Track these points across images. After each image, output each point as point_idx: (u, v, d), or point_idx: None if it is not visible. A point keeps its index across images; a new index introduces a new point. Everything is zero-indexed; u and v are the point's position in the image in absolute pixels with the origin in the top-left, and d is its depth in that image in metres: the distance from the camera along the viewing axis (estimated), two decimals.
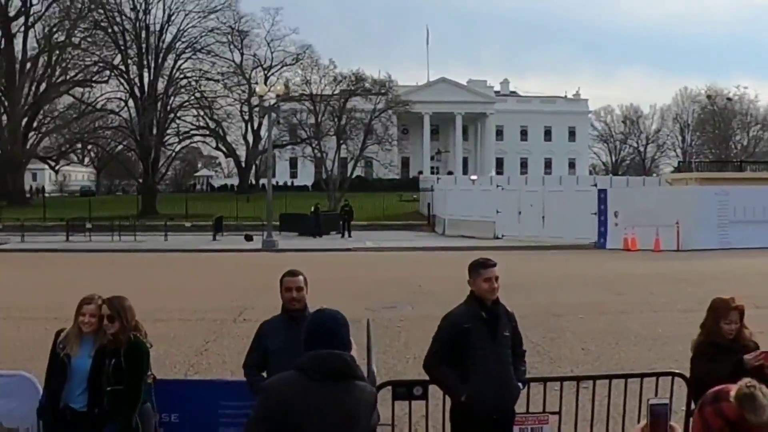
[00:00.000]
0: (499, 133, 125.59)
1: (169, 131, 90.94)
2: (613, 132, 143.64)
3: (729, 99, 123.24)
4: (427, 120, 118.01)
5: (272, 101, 51.46)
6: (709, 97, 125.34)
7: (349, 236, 51.93)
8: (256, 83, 78.84)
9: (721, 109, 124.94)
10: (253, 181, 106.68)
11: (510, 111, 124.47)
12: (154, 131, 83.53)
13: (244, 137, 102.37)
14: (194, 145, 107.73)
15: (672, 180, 54.73)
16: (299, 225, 54.29)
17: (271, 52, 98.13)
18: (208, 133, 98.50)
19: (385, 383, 7.91)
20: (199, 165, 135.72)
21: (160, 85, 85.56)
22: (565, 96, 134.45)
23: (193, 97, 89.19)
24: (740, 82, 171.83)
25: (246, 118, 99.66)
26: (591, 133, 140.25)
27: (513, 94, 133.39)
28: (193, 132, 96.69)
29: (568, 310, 19.59)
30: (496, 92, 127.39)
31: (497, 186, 50.36)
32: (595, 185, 45.96)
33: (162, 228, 51.50)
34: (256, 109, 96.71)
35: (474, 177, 61.83)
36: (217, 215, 55.89)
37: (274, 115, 51.50)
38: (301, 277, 7.61)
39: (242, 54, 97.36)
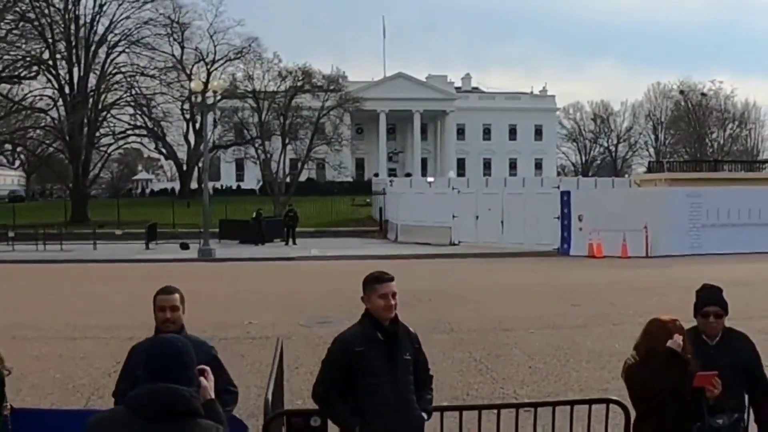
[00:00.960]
0: (461, 132, 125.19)
1: (102, 131, 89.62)
2: (582, 130, 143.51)
3: (703, 94, 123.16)
4: (383, 118, 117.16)
5: (216, 98, 50.50)
6: (682, 92, 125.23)
7: (294, 244, 51.26)
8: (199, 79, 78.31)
9: (695, 105, 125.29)
10: (196, 185, 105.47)
11: (472, 108, 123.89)
12: (85, 131, 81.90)
13: (185, 137, 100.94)
14: (134, 146, 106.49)
15: (641, 181, 54.37)
16: (240, 232, 53.52)
17: (214, 46, 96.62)
18: (145, 133, 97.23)
19: (280, 413, 7.26)
20: (140, 168, 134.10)
21: (92, 81, 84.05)
22: (531, 92, 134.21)
23: (127, 94, 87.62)
24: (716, 77, 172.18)
25: (187, 117, 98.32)
26: (559, 132, 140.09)
27: (475, 90, 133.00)
28: (129, 132, 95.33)
29: (518, 323, 19.09)
30: (458, 88, 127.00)
31: (453, 189, 49.69)
32: (558, 187, 45.35)
33: (91, 236, 50.53)
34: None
35: (431, 179, 61.27)
36: (151, 222, 54.84)
37: (212, 113, 50.52)
38: (176, 295, 7.10)
39: (183, 48, 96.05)
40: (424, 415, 6.78)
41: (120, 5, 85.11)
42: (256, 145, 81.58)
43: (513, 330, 18.41)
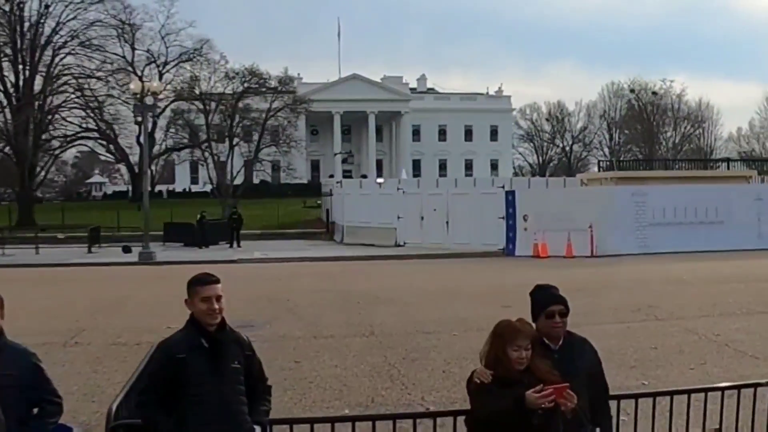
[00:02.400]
0: (416, 133, 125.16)
1: (53, 134, 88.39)
2: (539, 131, 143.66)
3: (654, 93, 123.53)
4: (337, 120, 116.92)
5: (157, 100, 49.53)
6: (632, 91, 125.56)
7: (238, 246, 50.53)
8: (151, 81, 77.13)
9: (646, 104, 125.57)
10: (149, 188, 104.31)
11: (427, 109, 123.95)
12: (31, 134, 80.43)
13: (138, 140, 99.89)
14: (88, 149, 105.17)
15: (587, 180, 53.83)
16: (185, 235, 52.66)
17: (166, 48, 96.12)
18: (97, 136, 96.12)
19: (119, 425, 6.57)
20: (96, 171, 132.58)
21: (39, 84, 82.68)
22: (487, 93, 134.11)
23: (76, 96, 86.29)
24: (672, 77, 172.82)
25: (139, 119, 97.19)
26: (516, 133, 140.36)
27: (431, 91, 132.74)
28: (80, 135, 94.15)
29: (443, 326, 18.45)
30: (413, 89, 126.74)
31: (399, 189, 48.97)
32: (503, 187, 44.75)
33: (34, 240, 49.63)
34: (155, 110, 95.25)
35: (380, 180, 60.45)
36: (94, 225, 53.89)
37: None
38: None
39: (134, 50, 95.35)
40: (257, 427, 6.20)
41: (66, 6, 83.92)
42: (203, 147, 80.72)
43: (435, 333, 17.80)
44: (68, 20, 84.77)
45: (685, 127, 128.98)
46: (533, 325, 6.24)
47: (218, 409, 5.95)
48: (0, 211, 76.63)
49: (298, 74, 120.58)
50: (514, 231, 41.64)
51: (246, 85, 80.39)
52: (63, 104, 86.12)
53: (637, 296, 22.81)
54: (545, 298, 6.51)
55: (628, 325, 18.29)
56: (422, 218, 45.93)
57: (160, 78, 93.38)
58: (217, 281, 6.32)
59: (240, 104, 79.76)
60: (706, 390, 7.52)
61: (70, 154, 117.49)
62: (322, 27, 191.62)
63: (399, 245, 46.37)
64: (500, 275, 31.06)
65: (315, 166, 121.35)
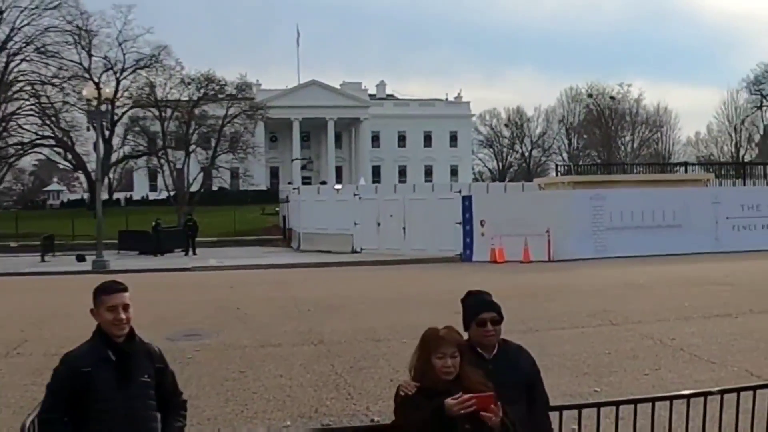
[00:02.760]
0: (376, 140, 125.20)
1: (9, 141, 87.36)
2: (498, 136, 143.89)
3: (612, 98, 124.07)
4: (296, 126, 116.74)
5: (108, 106, 48.80)
6: (590, 95, 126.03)
7: (194, 254, 49.91)
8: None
9: (604, 108, 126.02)
10: (107, 196, 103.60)
11: (386, 115, 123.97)
12: None
13: (95, 148, 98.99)
14: (46, 157, 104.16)
15: (545, 185, 53.50)
16: (139, 243, 51.99)
17: (123, 54, 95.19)
18: (54, 143, 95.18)
19: None
20: (55, 179, 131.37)
21: None
22: (446, 99, 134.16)
23: (30, 103, 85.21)
24: (631, 82, 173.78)
25: (93, 126, 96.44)
26: (476, 138, 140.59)
27: (390, 97, 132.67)
28: (37, 142, 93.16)
29: (394, 333, 17.97)
30: (372, 96, 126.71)
31: (355, 195, 48.51)
32: (459, 192, 44.36)
33: None
34: (107, 116, 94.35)
35: (338, 186, 60.02)
36: (47, 234, 53.09)
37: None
38: None
39: (90, 56, 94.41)
40: None
41: (21, 12, 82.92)
42: (160, 154, 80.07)
43: (385, 340, 17.36)
44: (23, 26, 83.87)
45: (644, 132, 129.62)
46: (463, 334, 5.76)
47: (127, 425, 5.54)
48: None
49: (257, 81, 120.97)
50: (471, 236, 41.20)
51: (202, 91, 79.79)
52: (18, 111, 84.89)
53: (592, 301, 22.49)
54: (476, 305, 6.12)
55: (582, 330, 17.94)
56: (379, 224, 45.42)
57: (118, 85, 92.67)
58: (125, 289, 5.91)
59: (196, 111, 79.15)
60: (671, 398, 7.10)
61: (28, 163, 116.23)
62: (282, 34, 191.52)
63: (356, 252, 45.87)
64: (455, 281, 30.55)
65: (274, 173, 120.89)
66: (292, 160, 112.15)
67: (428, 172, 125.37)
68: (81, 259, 45.52)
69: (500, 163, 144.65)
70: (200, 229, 55.42)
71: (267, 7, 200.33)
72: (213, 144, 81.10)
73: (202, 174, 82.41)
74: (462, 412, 5.08)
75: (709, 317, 19.24)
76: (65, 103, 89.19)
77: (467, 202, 41.82)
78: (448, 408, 5.09)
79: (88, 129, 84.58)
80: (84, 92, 48.22)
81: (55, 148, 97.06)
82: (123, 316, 5.74)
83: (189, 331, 19.01)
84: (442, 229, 41.78)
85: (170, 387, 6.01)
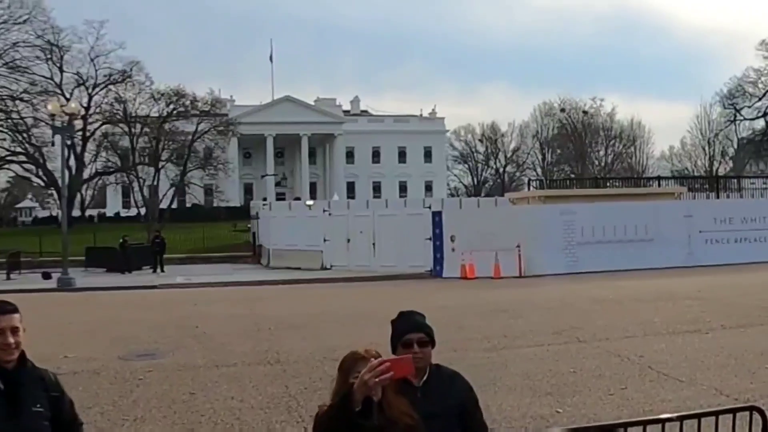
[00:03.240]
0: (350, 155, 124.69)
1: None
2: (473, 152, 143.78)
3: (585, 112, 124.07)
4: (270, 142, 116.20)
5: (97, 123, 47.94)
6: (562, 110, 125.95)
7: (162, 271, 49.11)
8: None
9: (576, 123, 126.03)
10: (79, 213, 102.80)
11: (361, 131, 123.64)
12: None
13: (66, 164, 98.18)
14: (19, 173, 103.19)
15: (516, 199, 53.04)
16: (107, 260, 51.19)
17: (95, 70, 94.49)
18: (25, 159, 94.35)
19: None
20: (30, 196, 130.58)
21: None
22: (421, 115, 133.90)
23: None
24: (605, 96, 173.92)
25: (68, 143, 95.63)
26: (451, 154, 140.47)
27: (364, 113, 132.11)
28: (8, 158, 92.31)
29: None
30: (346, 112, 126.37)
31: (324, 211, 47.88)
32: (429, 207, 43.78)
33: None
34: (79, 133, 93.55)
35: (310, 202, 59.36)
36: (13, 251, 52.21)
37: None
38: None
39: (62, 71, 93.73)
40: None
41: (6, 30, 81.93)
42: (130, 171, 79.38)
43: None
44: None
45: (617, 146, 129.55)
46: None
47: None
48: None
49: (231, 96, 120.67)
50: (441, 252, 40.53)
51: (172, 107, 79.18)
52: None
53: (560, 317, 21.94)
54: (403, 326, 5.56)
55: (547, 347, 17.36)
56: (348, 240, 44.71)
57: (90, 100, 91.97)
58: (14, 310, 5.28)
59: (166, 126, 78.52)
60: (625, 425, 6.51)
61: (1, 179, 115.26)
62: (256, 49, 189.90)
63: (326, 268, 45.16)
64: (423, 297, 29.95)
65: (248, 190, 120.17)
66: (262, 176, 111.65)
67: (403, 188, 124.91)
68: (47, 276, 44.70)
69: (475, 179, 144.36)
70: (169, 245, 54.84)
71: (242, 22, 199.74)
72: (183, 160, 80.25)
73: (173, 190, 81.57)
74: (377, 382, 4.40)
75: (678, 333, 18.73)
76: (36, 119, 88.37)
77: (437, 217, 41.19)
78: (359, 386, 4.42)
79: (52, 144, 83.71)
80: (49, 107, 47.29)
81: (27, 165, 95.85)
82: (11, 340, 5.13)
83: (144, 351, 18.47)
84: (412, 245, 41.16)
85: (68, 416, 5.43)
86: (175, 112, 79.39)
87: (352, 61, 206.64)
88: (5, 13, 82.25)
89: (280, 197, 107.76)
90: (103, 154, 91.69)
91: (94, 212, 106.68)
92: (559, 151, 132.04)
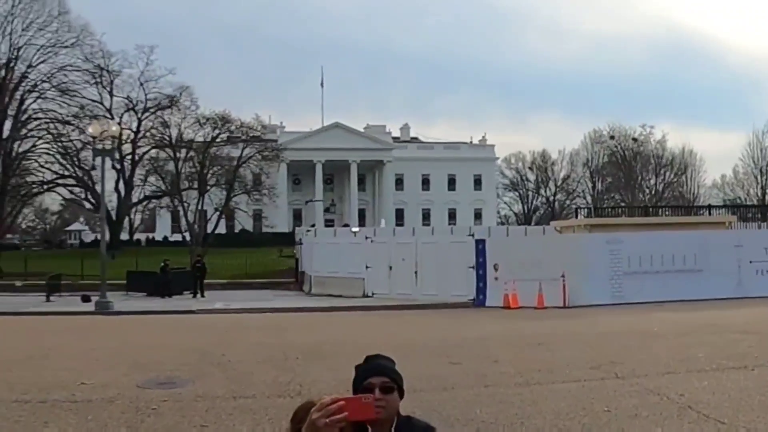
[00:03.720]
0: (400, 182, 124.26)
1: (29, 180, 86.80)
2: (524, 180, 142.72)
3: (634, 139, 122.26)
4: (319, 168, 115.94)
5: (114, 144, 47.51)
6: (612, 137, 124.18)
7: (202, 296, 48.56)
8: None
9: (626, 150, 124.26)
10: (128, 236, 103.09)
11: (410, 158, 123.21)
12: None
13: (116, 188, 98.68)
14: (70, 196, 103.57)
15: (561, 228, 51.84)
16: (148, 284, 50.73)
17: (145, 94, 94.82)
18: (74, 183, 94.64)
19: None
20: (81, 219, 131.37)
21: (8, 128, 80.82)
22: (471, 142, 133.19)
23: (43, 142, 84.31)
24: (657, 125, 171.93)
25: (118, 167, 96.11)
26: (501, 182, 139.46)
27: (414, 140, 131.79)
28: (57, 182, 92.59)
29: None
30: (396, 138, 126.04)
31: (366, 238, 47.09)
32: (472, 235, 42.80)
33: None
34: (128, 157, 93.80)
35: (355, 229, 58.53)
36: (53, 273, 52.07)
37: (108, 160, 47.91)
38: None
39: (111, 96, 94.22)
40: None
41: (38, 50, 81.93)
42: (173, 195, 79.18)
43: None
44: (38, 64, 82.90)
45: (667, 175, 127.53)
46: None
47: None
48: None
49: (281, 123, 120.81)
50: (484, 281, 39.59)
51: (217, 131, 79.01)
52: (32, 149, 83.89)
53: (600, 351, 20.95)
54: (366, 370, 4.77)
55: (582, 384, 16.40)
56: (390, 268, 43.97)
57: (139, 125, 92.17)
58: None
59: (212, 151, 78.35)
60: None
61: (54, 202, 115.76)
62: (308, 77, 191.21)
63: (367, 296, 44.40)
64: (462, 328, 29.18)
65: (297, 216, 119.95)
66: (307, 202, 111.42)
67: (452, 216, 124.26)
68: (86, 299, 44.42)
69: (526, 207, 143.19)
70: (213, 271, 54.44)
71: (294, 50, 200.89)
72: (228, 185, 79.80)
73: (216, 215, 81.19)
74: (327, 423, 3.81)
75: (723, 369, 17.64)
76: (84, 143, 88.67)
77: (481, 245, 40.31)
78: (307, 428, 3.85)
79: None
80: (90, 129, 47.08)
81: (76, 188, 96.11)
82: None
83: (165, 378, 17.84)
84: (455, 273, 40.32)
85: None
86: (219, 137, 79.09)
87: (403, 88, 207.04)
88: (53, 37, 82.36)
89: (328, 223, 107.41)
90: (152, 178, 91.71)
91: (142, 236, 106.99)
92: (609, 179, 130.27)
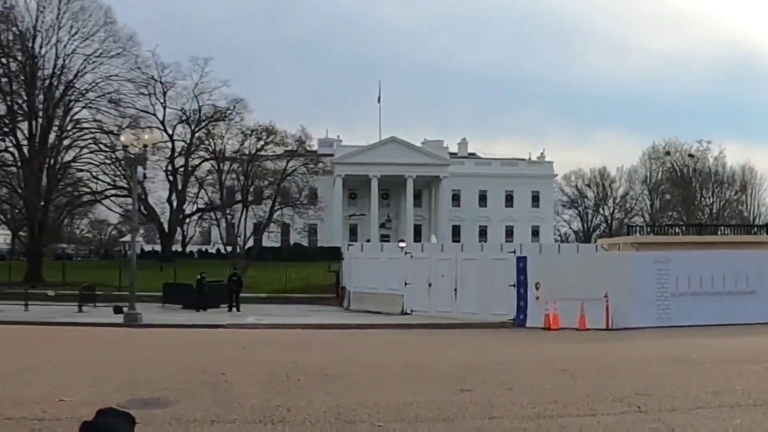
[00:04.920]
0: (456, 198, 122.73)
1: (83, 190, 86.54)
2: (583, 197, 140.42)
3: (691, 155, 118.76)
4: (375, 183, 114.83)
5: (146, 152, 46.11)
6: (668, 153, 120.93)
7: (237, 310, 47.21)
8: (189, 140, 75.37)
9: (682, 167, 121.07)
10: (180, 248, 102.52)
11: (467, 174, 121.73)
12: (44, 188, 77.41)
13: (168, 200, 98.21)
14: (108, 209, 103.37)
15: (609, 246, 49.73)
16: (184, 297, 49.54)
17: (199, 106, 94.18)
18: (127, 193, 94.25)
19: None
20: (141, 231, 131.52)
21: (56, 138, 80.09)
22: (529, 158, 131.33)
23: (90, 152, 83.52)
24: (722, 142, 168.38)
25: (171, 178, 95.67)
26: (561, 199, 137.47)
27: (472, 156, 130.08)
28: (109, 192, 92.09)
29: (375, 413, 14.87)
30: (453, 154, 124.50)
31: (406, 254, 45.41)
32: (513, 252, 40.88)
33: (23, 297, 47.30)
34: (181, 169, 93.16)
35: (402, 244, 56.89)
36: (86, 284, 51.33)
37: (141, 169, 46.85)
38: None
39: (165, 107, 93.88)
40: None
41: (86, 61, 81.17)
42: (217, 208, 78.42)
43: (357, 422, 14.27)
44: (85, 73, 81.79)
45: (727, 193, 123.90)
46: None
47: None
48: (16, 267, 74.17)
49: (338, 136, 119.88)
50: (525, 300, 37.79)
51: (261, 143, 78.09)
52: (77, 159, 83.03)
53: (628, 379, 19.02)
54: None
55: (599, 418, 14.57)
56: (430, 285, 42.33)
57: (192, 137, 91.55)
58: None
59: (259, 164, 77.54)
60: None
61: (111, 213, 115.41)
62: (372, 92, 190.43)
63: (406, 313, 42.77)
64: (491, 349, 27.47)
65: (353, 230, 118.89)
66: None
67: (509, 233, 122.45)
68: (118, 311, 43.31)
69: (585, 224, 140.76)
70: (255, 284, 53.48)
71: (357, 66, 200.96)
72: (273, 198, 78.73)
73: (270, 228, 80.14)
74: None
75: (760, 405, 15.69)
76: (137, 154, 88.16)
77: (522, 263, 38.51)
78: None
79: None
80: (122, 138, 45.92)
81: (114, 198, 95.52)
82: None
83: (150, 398, 16.43)
84: (496, 291, 38.61)
85: None
86: (263, 148, 78.16)
87: (465, 104, 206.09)
88: (99, 47, 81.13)
89: (384, 239, 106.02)
90: (207, 190, 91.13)
91: (195, 248, 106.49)
92: (668, 196, 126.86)
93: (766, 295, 36.80)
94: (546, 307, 36.13)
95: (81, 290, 48.37)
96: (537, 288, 37.32)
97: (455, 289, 40.93)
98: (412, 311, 42.86)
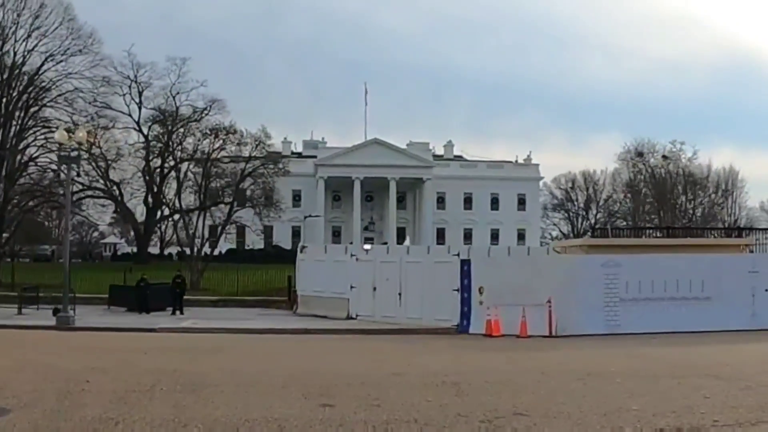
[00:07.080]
0: (441, 201, 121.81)
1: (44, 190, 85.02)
2: (571, 200, 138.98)
3: (665, 157, 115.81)
4: (357, 185, 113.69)
5: (80, 151, 44.19)
6: (640, 155, 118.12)
7: (181, 313, 45.59)
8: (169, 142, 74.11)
9: (655, 168, 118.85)
10: (158, 250, 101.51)
11: (453, 177, 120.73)
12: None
13: (145, 202, 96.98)
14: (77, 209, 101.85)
15: (561, 248, 47.83)
16: (128, 299, 48.03)
17: (176, 106, 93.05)
18: (103, 195, 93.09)
19: None
20: (116, 231, 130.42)
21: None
22: (516, 161, 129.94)
23: (48, 150, 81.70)
24: (717, 147, 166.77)
25: (147, 179, 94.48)
26: (551, 202, 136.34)
27: (458, 158, 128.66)
28: (86, 194, 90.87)
29: (196, 429, 13.34)
30: (439, 156, 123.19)
31: (351, 256, 43.72)
32: (457, 255, 39.05)
33: None
34: (158, 170, 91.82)
35: (367, 246, 55.12)
36: (27, 285, 50.42)
37: (74, 167, 45.47)
38: None
39: (140, 107, 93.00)
40: None
41: (57, 62, 79.92)
42: (179, 210, 77.02)
43: None
44: (44, 72, 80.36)
45: (701, 195, 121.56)
46: None
47: None
48: None
49: (322, 138, 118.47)
50: (469, 305, 35.94)
51: (221, 141, 76.69)
52: (35, 158, 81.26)
53: (517, 396, 16.94)
54: None
55: None
56: (374, 288, 40.69)
57: (170, 137, 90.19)
58: None
59: (222, 165, 76.28)
60: None
61: (91, 215, 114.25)
62: (358, 93, 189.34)
63: (351, 318, 41.12)
64: (403, 359, 25.78)
65: (336, 233, 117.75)
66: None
67: (494, 236, 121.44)
68: (57, 312, 41.78)
69: (574, 227, 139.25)
70: (211, 287, 52.16)
71: (351, 69, 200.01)
72: (233, 199, 77.16)
73: (221, 230, 78.30)
74: None
75: (721, 428, 13.63)
76: (117, 155, 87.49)
77: (466, 266, 36.62)
78: None
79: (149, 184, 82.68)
80: (56, 136, 44.32)
81: (93, 199, 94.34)
82: None
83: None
84: (440, 296, 36.93)
85: None
86: (222, 148, 76.80)
87: (462, 108, 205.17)
88: (61, 45, 79.51)
89: (368, 242, 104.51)
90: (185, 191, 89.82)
91: (174, 250, 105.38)
92: (650, 199, 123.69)
93: (722, 302, 35.11)
94: (488, 312, 34.51)
95: (20, 291, 46.97)
96: (480, 292, 35.56)
97: (399, 294, 39.33)
98: (357, 316, 41.23)
